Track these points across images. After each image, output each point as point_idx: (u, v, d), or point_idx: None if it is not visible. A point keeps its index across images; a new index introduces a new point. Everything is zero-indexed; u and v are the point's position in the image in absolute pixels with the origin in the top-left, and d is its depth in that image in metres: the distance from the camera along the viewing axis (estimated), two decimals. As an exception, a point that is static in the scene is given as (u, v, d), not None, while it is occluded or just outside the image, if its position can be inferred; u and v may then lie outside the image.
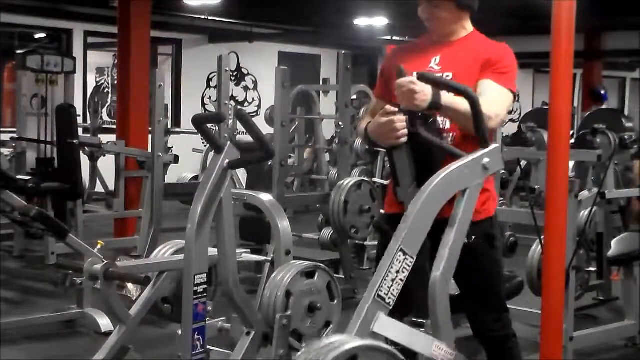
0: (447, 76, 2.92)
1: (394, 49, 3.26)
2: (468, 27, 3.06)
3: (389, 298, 2.36)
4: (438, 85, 2.66)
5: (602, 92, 12.44)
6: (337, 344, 2.01)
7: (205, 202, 2.95)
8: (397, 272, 2.37)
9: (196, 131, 3.17)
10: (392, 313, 2.53)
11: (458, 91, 2.66)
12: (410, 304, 2.62)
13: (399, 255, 2.38)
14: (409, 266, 2.40)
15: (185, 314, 2.98)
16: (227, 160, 2.99)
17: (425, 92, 2.65)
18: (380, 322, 2.33)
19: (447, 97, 2.70)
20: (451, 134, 2.90)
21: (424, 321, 2.81)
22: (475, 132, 2.62)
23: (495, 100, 2.84)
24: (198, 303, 2.94)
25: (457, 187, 2.51)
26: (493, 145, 2.58)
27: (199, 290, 2.95)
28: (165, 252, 3.66)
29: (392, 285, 2.36)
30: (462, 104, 2.70)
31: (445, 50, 2.99)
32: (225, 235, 3.06)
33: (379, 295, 2.34)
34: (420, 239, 2.44)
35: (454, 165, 2.51)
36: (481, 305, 3.04)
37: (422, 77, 2.63)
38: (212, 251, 3.13)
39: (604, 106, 10.20)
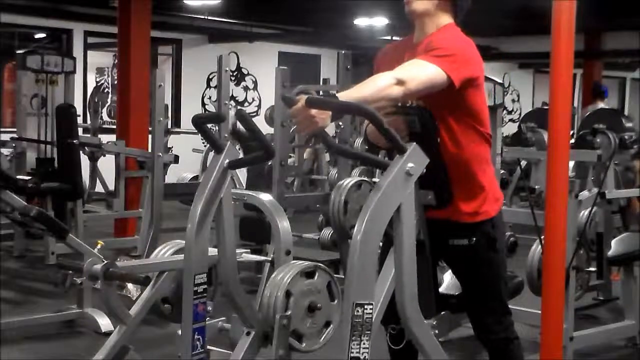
0: None
1: (382, 50, 3.19)
2: (441, 23, 2.92)
3: (364, 353, 2.31)
4: (323, 108, 2.47)
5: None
6: None
7: (205, 202, 2.95)
8: (362, 325, 2.31)
9: (196, 131, 3.17)
10: (393, 315, 2.53)
11: (342, 110, 2.54)
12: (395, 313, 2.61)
13: (357, 311, 2.30)
14: (370, 312, 2.31)
15: (185, 314, 2.98)
16: (227, 160, 2.99)
17: (320, 112, 2.46)
18: None
19: (346, 95, 2.54)
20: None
21: (425, 321, 2.81)
22: (386, 140, 2.46)
23: (404, 67, 2.66)
24: (198, 303, 2.94)
25: (389, 210, 2.39)
26: (410, 146, 2.42)
27: (199, 290, 2.94)
28: (165, 252, 3.66)
29: (361, 341, 2.31)
30: (363, 90, 2.58)
31: (413, 51, 2.87)
32: (225, 235, 3.06)
33: (352, 358, 2.30)
34: (371, 280, 2.35)
35: (378, 193, 2.38)
36: (482, 307, 3.03)
37: (310, 103, 2.44)
38: (212, 251, 3.13)
39: (603, 104, 10.18)
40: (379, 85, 2.58)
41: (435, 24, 2.92)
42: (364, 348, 2.31)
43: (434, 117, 2.82)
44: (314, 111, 2.45)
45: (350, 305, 2.30)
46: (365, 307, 2.31)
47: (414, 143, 2.44)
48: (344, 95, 2.54)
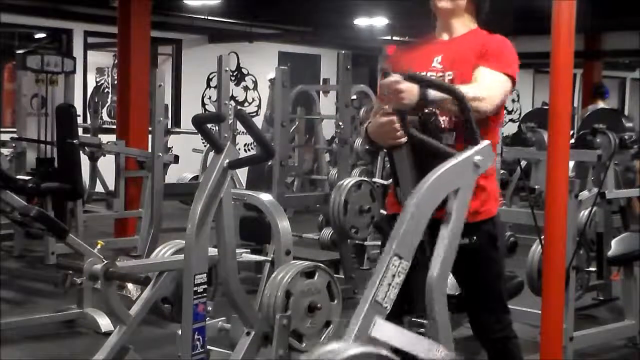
0: (449, 76, 2.91)
1: (397, 49, 3.24)
2: (471, 24, 3.04)
3: (386, 302, 2.35)
4: (425, 84, 2.64)
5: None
6: (336, 352, 2.01)
7: (205, 202, 2.95)
8: (393, 276, 2.36)
9: (196, 131, 3.17)
10: (393, 312, 2.53)
11: (444, 89, 2.65)
12: (411, 303, 2.61)
13: (394, 260, 2.37)
14: (404, 270, 2.38)
15: (185, 314, 2.98)
16: (227, 160, 2.99)
17: (411, 90, 2.62)
18: (378, 327, 2.32)
19: (435, 92, 2.68)
20: (454, 133, 2.89)
21: (424, 321, 2.81)
22: (465, 130, 2.60)
23: (488, 84, 2.82)
24: (198, 303, 2.94)
25: (449, 188, 2.48)
26: (484, 142, 2.55)
27: (199, 290, 2.95)
28: (165, 252, 3.66)
29: (388, 290, 2.35)
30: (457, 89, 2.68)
31: (447, 49, 2.97)
32: (225, 236, 3.06)
33: (375, 301, 2.33)
34: (414, 242, 2.42)
35: (445, 166, 2.48)
36: (482, 306, 3.03)
37: (410, 77, 2.62)
38: (212, 251, 3.13)
39: (604, 104, 10.17)
40: (474, 96, 2.71)
41: (463, 24, 3.02)
42: (388, 298, 2.35)
43: (438, 117, 2.83)
44: (403, 87, 2.60)
45: (390, 253, 2.36)
46: (402, 262, 2.37)
47: (488, 141, 2.57)
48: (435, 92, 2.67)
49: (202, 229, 2.95)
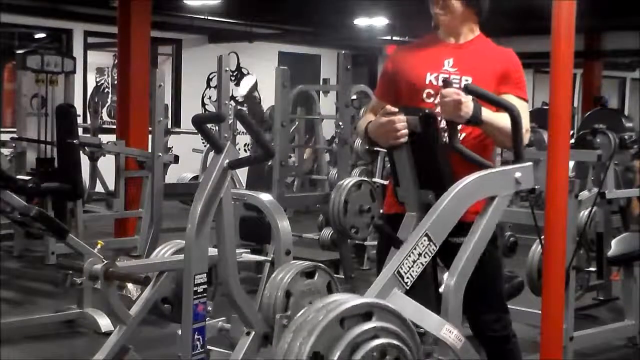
0: (466, 80, 2.92)
1: (399, 50, 3.24)
2: (475, 29, 3.08)
3: (407, 278, 2.40)
4: (483, 98, 2.68)
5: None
6: (351, 298, 2.10)
7: (205, 202, 2.95)
8: (419, 255, 2.42)
9: (196, 131, 3.17)
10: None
11: (502, 106, 2.71)
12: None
13: (424, 240, 2.43)
14: (431, 252, 2.44)
15: (185, 314, 2.98)
16: (227, 160, 2.99)
17: (468, 104, 2.67)
18: (394, 297, 2.37)
19: (486, 112, 2.74)
20: (462, 134, 2.90)
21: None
22: (513, 147, 2.68)
23: (524, 115, 2.87)
24: (198, 303, 2.94)
25: (488, 191, 2.57)
26: (527, 163, 2.65)
27: (199, 290, 2.94)
28: (165, 252, 3.66)
29: (412, 266, 2.41)
30: (500, 119, 2.76)
31: (457, 53, 3.00)
32: (225, 236, 3.06)
33: (398, 272, 2.39)
34: (445, 230, 2.48)
35: (489, 170, 2.58)
36: (481, 305, 3.03)
37: (469, 90, 2.66)
38: (212, 251, 3.13)
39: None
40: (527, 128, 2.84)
41: (469, 29, 3.06)
42: (410, 274, 2.41)
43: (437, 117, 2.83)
44: (464, 99, 2.65)
45: (422, 232, 2.43)
46: (431, 243, 2.44)
47: (531, 163, 2.68)
48: (484, 109, 2.76)
49: (202, 229, 2.95)
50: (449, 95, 2.66)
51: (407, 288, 2.41)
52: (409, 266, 2.40)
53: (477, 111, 2.69)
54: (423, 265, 2.42)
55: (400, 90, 3.05)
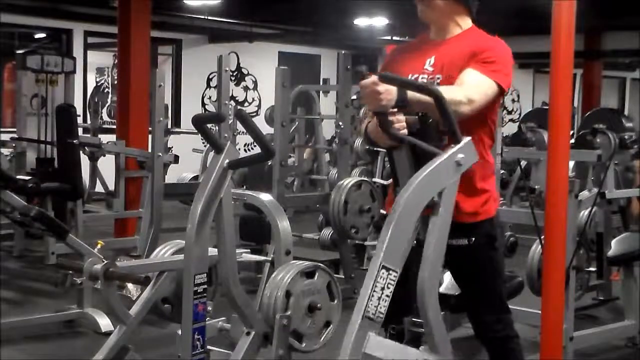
0: (438, 79, 2.89)
1: (393, 49, 3.23)
2: (464, 24, 3.00)
3: (378, 317, 2.32)
4: (400, 84, 2.60)
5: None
6: None
7: (205, 202, 2.95)
8: (382, 289, 2.33)
9: (196, 131, 3.17)
10: (393, 315, 2.52)
11: (420, 89, 2.60)
12: (411, 306, 2.61)
13: (382, 273, 2.33)
14: (393, 280, 2.34)
15: (185, 314, 2.98)
16: (227, 160, 2.99)
17: (389, 91, 2.57)
18: (371, 343, 2.30)
19: (413, 92, 2.64)
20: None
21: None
22: (446, 128, 2.55)
23: (471, 85, 2.78)
24: (198, 303, 2.94)
25: (433, 190, 2.44)
26: (465, 139, 2.51)
27: (199, 290, 2.94)
28: (165, 252, 3.66)
29: (379, 304, 2.32)
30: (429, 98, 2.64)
31: (440, 50, 2.95)
32: (225, 235, 3.06)
33: (367, 316, 2.30)
34: (402, 249, 2.38)
35: (427, 169, 2.44)
36: (482, 306, 3.03)
37: (384, 78, 2.56)
38: (212, 251, 3.13)
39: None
40: (454, 99, 2.67)
41: (456, 23, 2.99)
42: (379, 312, 2.33)
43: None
44: (381, 89, 2.55)
45: (377, 266, 2.33)
46: (391, 272, 2.34)
47: (469, 137, 2.52)
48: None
49: (202, 229, 2.95)
50: (366, 86, 2.57)
51: (381, 324, 2.33)
52: (375, 305, 2.31)
53: (401, 94, 2.58)
54: (389, 296, 2.33)
55: None
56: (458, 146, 2.49)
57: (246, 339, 3.23)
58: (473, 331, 3.14)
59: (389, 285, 2.34)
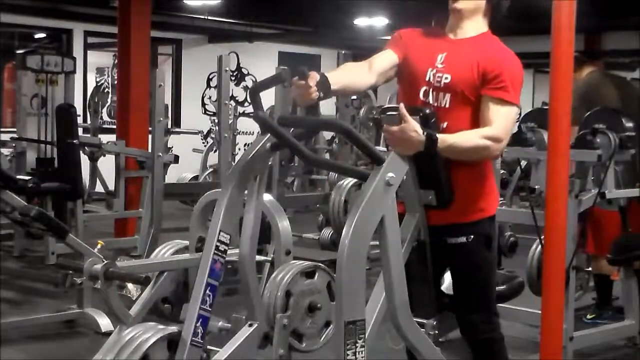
0: (446, 78, 2.89)
1: (406, 32, 3.10)
2: (480, 26, 2.98)
3: None
4: (297, 126, 2.65)
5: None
6: None
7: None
8: (355, 343, 2.31)
9: (196, 131, 3.16)
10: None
11: (318, 128, 2.63)
12: (411, 305, 2.61)
13: (349, 328, 2.30)
14: (363, 328, 2.32)
15: (202, 266, 2.91)
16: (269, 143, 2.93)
17: (416, 130, 2.56)
18: None
19: (442, 138, 2.65)
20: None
21: (424, 321, 2.81)
22: (366, 154, 2.55)
23: (499, 125, 2.79)
24: (217, 260, 2.91)
25: (373, 223, 2.38)
26: (389, 156, 2.44)
27: (220, 248, 2.92)
28: (165, 252, 3.66)
29: (356, 357, 2.31)
30: (461, 141, 2.70)
31: (452, 49, 2.93)
32: (246, 230, 3.06)
33: None
34: (360, 295, 2.34)
35: (359, 208, 2.35)
36: (471, 305, 3.01)
37: (283, 121, 2.63)
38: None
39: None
40: (478, 145, 2.73)
41: (476, 26, 2.97)
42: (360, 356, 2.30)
43: (438, 119, 2.82)
44: (413, 134, 2.54)
45: (342, 327, 2.29)
46: (357, 323, 2.30)
47: (392, 152, 2.46)
48: (442, 138, 2.63)
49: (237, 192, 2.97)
50: (396, 133, 2.54)
51: None
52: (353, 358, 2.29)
53: (429, 142, 2.58)
54: (365, 342, 2.31)
55: (402, 75, 3.03)
56: (384, 166, 2.42)
57: (247, 329, 3.21)
58: (459, 330, 3.10)
59: (361, 336, 2.31)
